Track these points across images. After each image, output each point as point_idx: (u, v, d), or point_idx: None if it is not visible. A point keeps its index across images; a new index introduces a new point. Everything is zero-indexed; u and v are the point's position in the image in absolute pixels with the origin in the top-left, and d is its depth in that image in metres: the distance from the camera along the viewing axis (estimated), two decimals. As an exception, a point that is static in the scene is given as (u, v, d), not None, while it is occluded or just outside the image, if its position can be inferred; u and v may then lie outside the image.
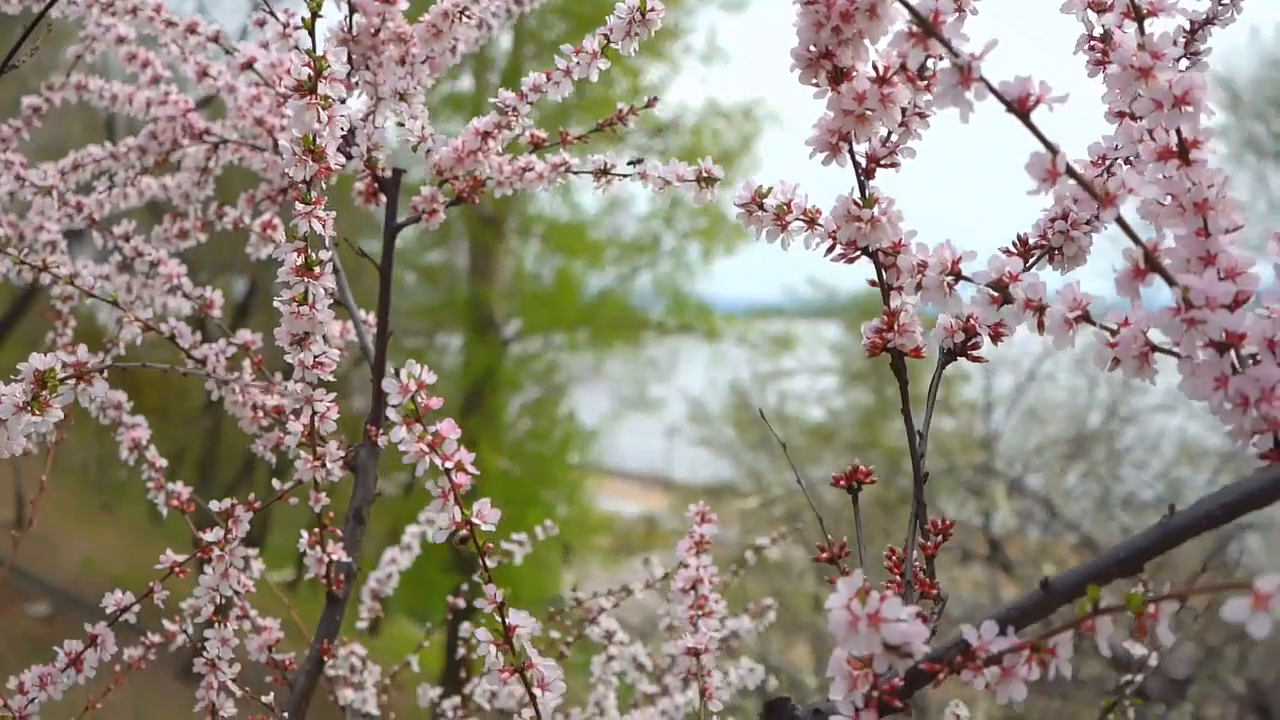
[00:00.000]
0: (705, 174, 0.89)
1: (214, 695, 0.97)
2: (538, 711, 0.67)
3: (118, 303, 1.00)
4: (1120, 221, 0.53)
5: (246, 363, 1.08)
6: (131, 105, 1.26)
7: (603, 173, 0.98)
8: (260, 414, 1.05)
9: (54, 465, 1.27)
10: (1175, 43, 0.74)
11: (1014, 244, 0.71)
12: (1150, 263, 0.53)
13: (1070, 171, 0.52)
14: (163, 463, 1.13)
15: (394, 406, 0.64)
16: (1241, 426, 0.53)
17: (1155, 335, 0.57)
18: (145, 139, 1.23)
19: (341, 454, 0.94)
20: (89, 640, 0.94)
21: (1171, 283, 0.53)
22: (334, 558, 1.00)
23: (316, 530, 0.99)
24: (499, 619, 0.67)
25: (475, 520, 0.66)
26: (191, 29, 1.12)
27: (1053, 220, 0.70)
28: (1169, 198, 0.56)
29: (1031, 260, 0.71)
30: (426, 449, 0.64)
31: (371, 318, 1.17)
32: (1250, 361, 0.54)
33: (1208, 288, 0.52)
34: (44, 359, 0.67)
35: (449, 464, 0.65)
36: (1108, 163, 0.71)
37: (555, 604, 1.41)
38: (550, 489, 11.47)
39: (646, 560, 1.50)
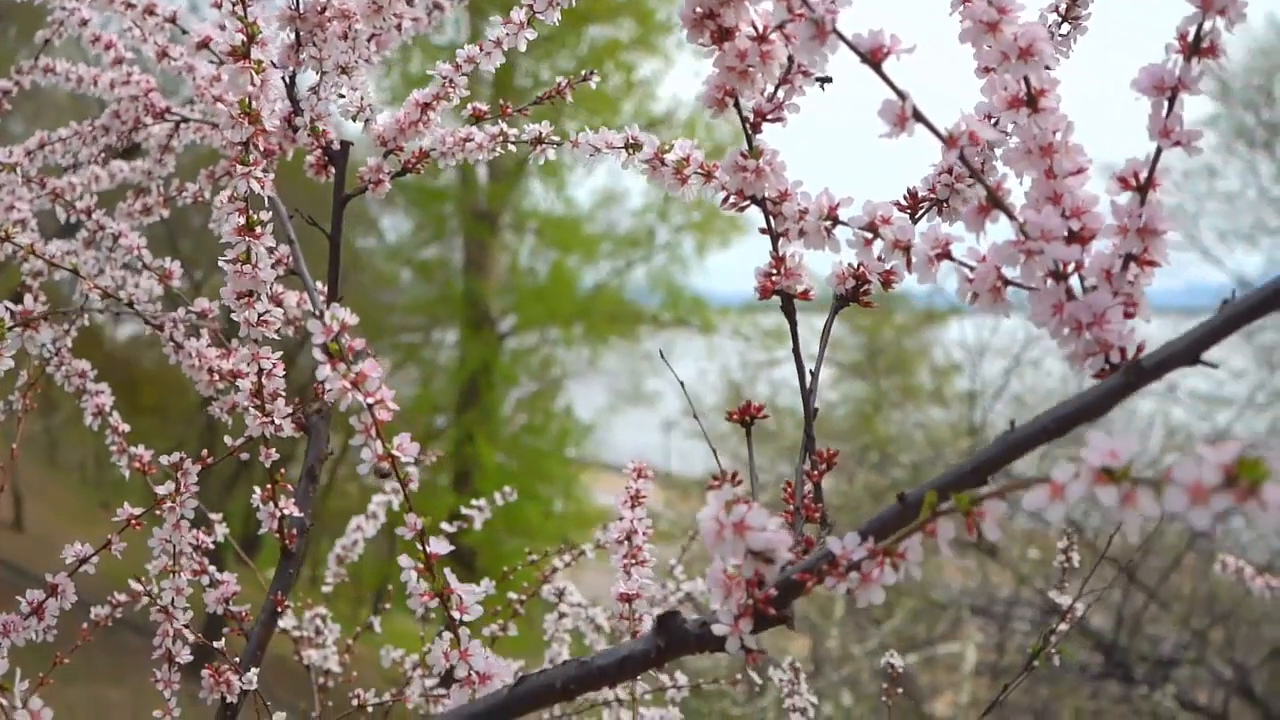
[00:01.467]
0: (631, 141, 0.94)
1: (170, 643, 1.01)
2: (456, 634, 0.72)
3: (77, 271, 1.05)
4: (964, 162, 0.58)
5: (204, 330, 1.13)
6: (96, 86, 1.30)
7: (538, 141, 1.03)
8: (216, 377, 1.10)
9: (53, 464, 1.31)
10: (1056, 8, 0.79)
11: (904, 196, 0.76)
12: (993, 200, 0.58)
13: (917, 116, 0.57)
14: (125, 428, 1.17)
15: (318, 346, 0.68)
16: (1077, 350, 0.57)
17: (1009, 271, 0.61)
18: (109, 118, 1.27)
19: (289, 410, 0.99)
20: (49, 590, 0.98)
21: (1011, 217, 0.57)
22: (286, 513, 1.04)
23: (269, 486, 1.04)
24: (420, 547, 0.72)
25: (396, 453, 0.70)
26: (150, 10, 1.17)
27: (940, 174, 0.75)
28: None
29: (921, 211, 0.75)
30: (350, 386, 0.69)
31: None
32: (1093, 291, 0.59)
33: (1043, 221, 0.56)
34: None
35: (371, 400, 0.69)
36: (992, 120, 0.75)
37: (508, 566, 1.46)
38: (547, 483, 11.51)
39: (605, 526, 1.55)
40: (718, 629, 0.61)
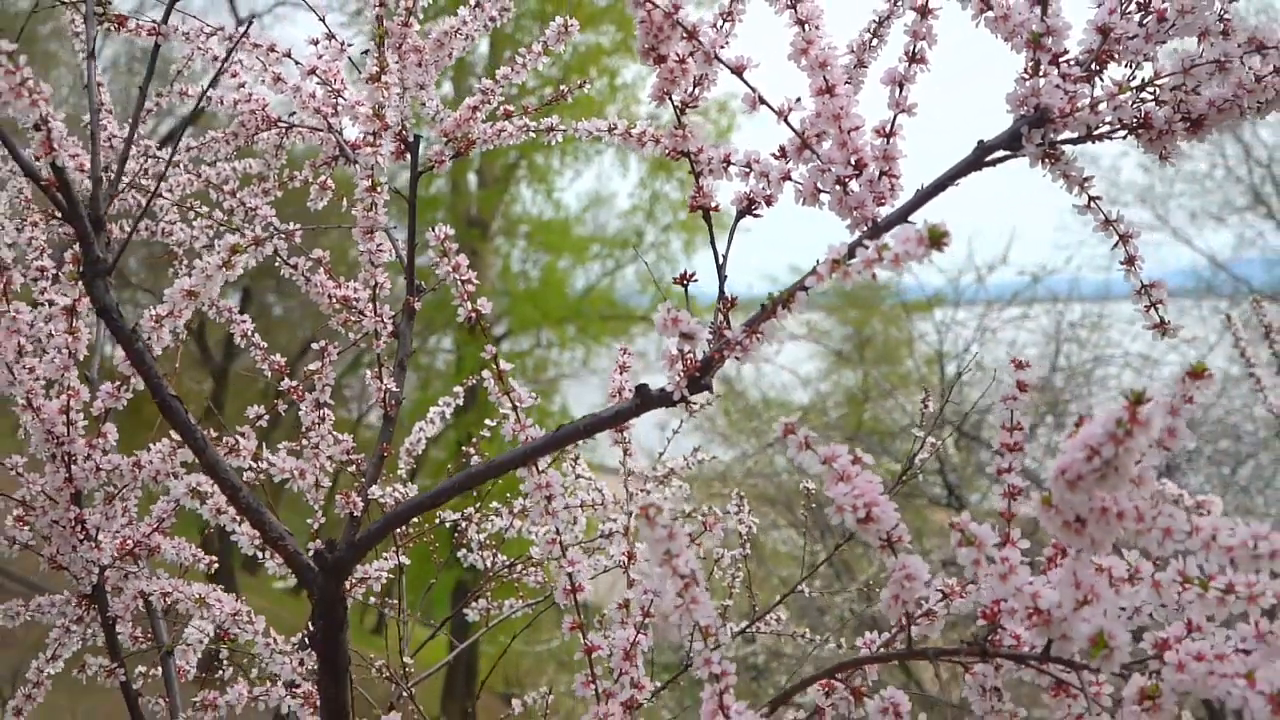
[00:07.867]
0: (612, 125, 1.43)
1: (317, 473, 1.51)
2: (518, 416, 1.21)
3: (239, 230, 1.53)
4: (787, 123, 1.08)
5: (321, 270, 1.62)
6: (223, 104, 1.80)
7: (551, 129, 1.53)
8: (332, 300, 1.60)
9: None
10: (869, 30, 1.28)
11: (778, 149, 1.25)
12: (804, 144, 1.08)
13: (761, 100, 1.06)
14: (264, 345, 1.66)
15: (432, 247, 1.18)
16: (853, 222, 1.07)
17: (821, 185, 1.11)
18: (236, 126, 1.77)
19: (393, 313, 1.48)
20: (229, 445, 1.48)
21: (815, 153, 1.07)
22: (389, 388, 1.54)
23: (376, 368, 1.53)
24: (496, 366, 1.22)
25: (479, 308, 1.20)
26: (272, 48, 1.66)
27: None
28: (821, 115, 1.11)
29: (800, 155, 1.25)
30: (452, 270, 1.19)
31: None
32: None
33: (831, 154, 1.06)
34: (233, 236, 1.21)
35: (463, 279, 1.19)
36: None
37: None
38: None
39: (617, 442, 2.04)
40: (669, 388, 1.10)
